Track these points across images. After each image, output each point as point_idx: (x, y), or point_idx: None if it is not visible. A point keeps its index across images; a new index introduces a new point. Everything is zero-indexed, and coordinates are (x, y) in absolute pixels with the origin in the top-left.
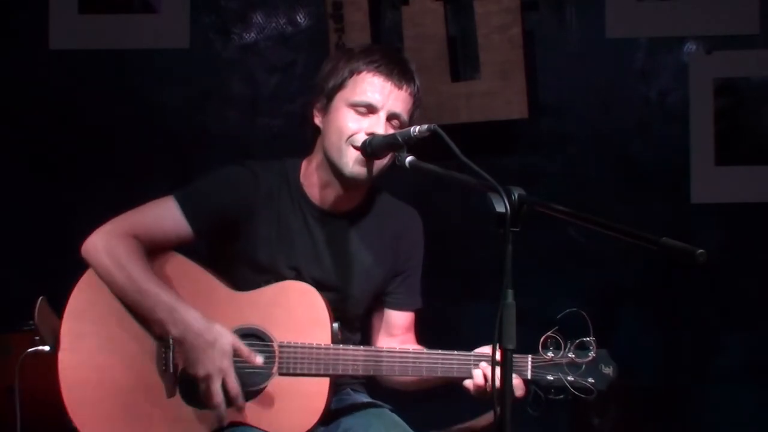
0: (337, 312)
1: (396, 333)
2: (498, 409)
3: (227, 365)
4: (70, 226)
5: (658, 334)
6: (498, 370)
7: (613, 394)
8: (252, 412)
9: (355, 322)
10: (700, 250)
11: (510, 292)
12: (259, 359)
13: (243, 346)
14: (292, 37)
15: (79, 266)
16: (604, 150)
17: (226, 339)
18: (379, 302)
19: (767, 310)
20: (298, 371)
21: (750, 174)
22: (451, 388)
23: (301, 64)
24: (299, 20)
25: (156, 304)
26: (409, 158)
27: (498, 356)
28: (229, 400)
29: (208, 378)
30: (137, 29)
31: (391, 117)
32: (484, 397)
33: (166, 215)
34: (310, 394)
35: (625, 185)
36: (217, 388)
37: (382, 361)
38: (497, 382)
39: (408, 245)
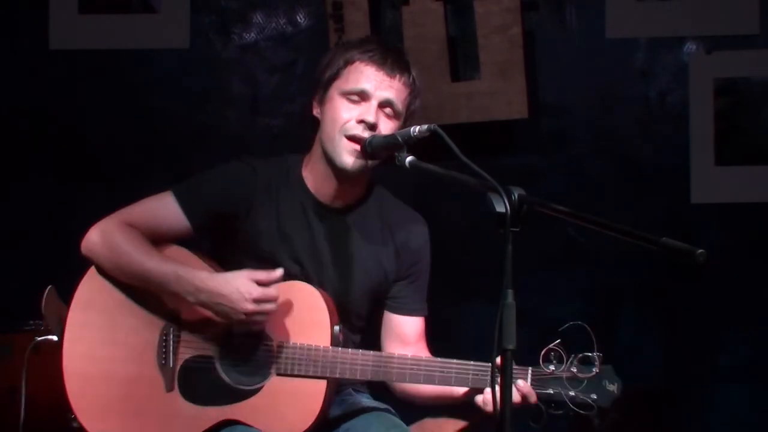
0: (337, 309)
1: (408, 341)
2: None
3: (255, 293)
4: (70, 226)
5: (658, 334)
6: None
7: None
8: (249, 412)
9: (355, 321)
10: (700, 250)
11: (510, 292)
12: (279, 271)
13: (258, 272)
14: (292, 37)
15: (79, 266)
16: (604, 150)
17: (240, 279)
18: (384, 308)
19: (767, 310)
20: (296, 372)
21: (750, 174)
22: None
23: (301, 64)
24: (299, 20)
25: (164, 278)
26: (409, 158)
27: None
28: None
29: (246, 321)
30: (137, 29)
31: (383, 104)
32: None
33: (164, 209)
34: (308, 395)
35: (625, 185)
36: (260, 319)
37: (379, 367)
38: (497, 382)
39: (413, 250)
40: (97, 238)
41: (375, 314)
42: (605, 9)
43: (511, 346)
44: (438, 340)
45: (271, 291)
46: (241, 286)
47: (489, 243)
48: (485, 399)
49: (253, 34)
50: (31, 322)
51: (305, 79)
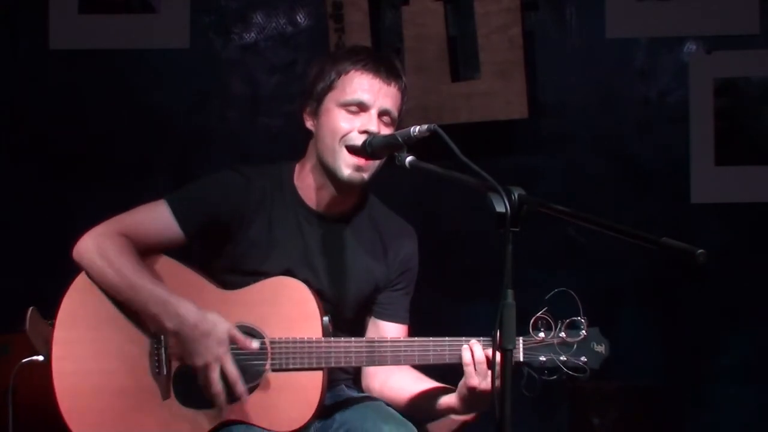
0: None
1: None
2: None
3: (224, 352)
4: (70, 225)
5: (658, 334)
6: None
7: (613, 393)
8: (247, 410)
9: (345, 328)
10: (700, 250)
11: (510, 292)
12: (254, 344)
13: (238, 333)
14: (292, 37)
15: (77, 267)
16: (604, 150)
17: (222, 327)
18: (371, 313)
19: (767, 310)
20: (291, 366)
21: (750, 174)
22: (445, 374)
23: (301, 64)
24: (299, 20)
25: (149, 298)
26: (409, 158)
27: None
28: (229, 388)
29: (206, 367)
30: (137, 29)
31: (382, 113)
32: (479, 386)
33: (157, 218)
34: (305, 388)
35: (625, 185)
36: (215, 377)
37: (374, 351)
38: (497, 383)
39: (402, 260)
40: (89, 245)
41: (363, 320)
42: (605, 9)
43: (511, 347)
44: None
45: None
46: (220, 329)
47: (489, 243)
48: (464, 361)
49: (253, 34)
50: (26, 328)
51: (305, 79)
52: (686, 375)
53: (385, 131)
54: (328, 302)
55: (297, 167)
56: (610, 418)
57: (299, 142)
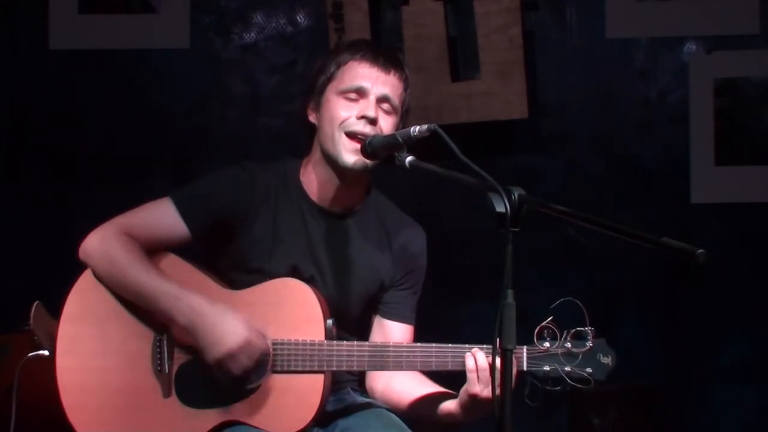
0: (332, 311)
1: None
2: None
3: (245, 334)
4: (70, 225)
5: (658, 334)
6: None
7: (613, 393)
8: (248, 411)
9: (351, 325)
10: (700, 250)
11: (510, 292)
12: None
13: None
14: (292, 37)
15: (79, 266)
16: (604, 150)
17: (239, 317)
18: (376, 312)
19: (767, 310)
20: (292, 368)
21: (750, 174)
22: (449, 379)
23: (301, 64)
24: (299, 20)
25: (159, 295)
26: (409, 158)
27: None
28: (258, 363)
29: (230, 357)
30: (137, 29)
31: (381, 100)
32: (481, 393)
33: (162, 216)
34: (306, 391)
35: (625, 185)
36: (243, 360)
37: (376, 356)
38: (498, 384)
39: (410, 257)
40: (95, 245)
41: (369, 318)
42: (605, 9)
43: (510, 347)
44: (438, 340)
45: (262, 343)
46: (235, 325)
47: (489, 243)
48: (469, 388)
49: (253, 34)
50: (30, 322)
51: (305, 79)
52: (686, 375)
53: (385, 118)
54: (331, 297)
55: (303, 163)
56: (610, 418)
57: (299, 142)
